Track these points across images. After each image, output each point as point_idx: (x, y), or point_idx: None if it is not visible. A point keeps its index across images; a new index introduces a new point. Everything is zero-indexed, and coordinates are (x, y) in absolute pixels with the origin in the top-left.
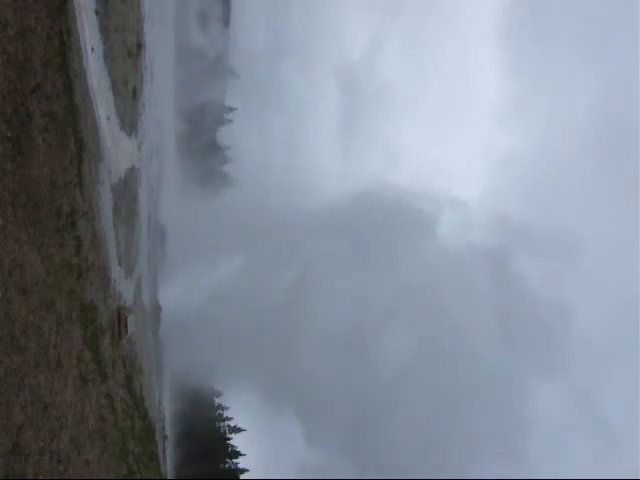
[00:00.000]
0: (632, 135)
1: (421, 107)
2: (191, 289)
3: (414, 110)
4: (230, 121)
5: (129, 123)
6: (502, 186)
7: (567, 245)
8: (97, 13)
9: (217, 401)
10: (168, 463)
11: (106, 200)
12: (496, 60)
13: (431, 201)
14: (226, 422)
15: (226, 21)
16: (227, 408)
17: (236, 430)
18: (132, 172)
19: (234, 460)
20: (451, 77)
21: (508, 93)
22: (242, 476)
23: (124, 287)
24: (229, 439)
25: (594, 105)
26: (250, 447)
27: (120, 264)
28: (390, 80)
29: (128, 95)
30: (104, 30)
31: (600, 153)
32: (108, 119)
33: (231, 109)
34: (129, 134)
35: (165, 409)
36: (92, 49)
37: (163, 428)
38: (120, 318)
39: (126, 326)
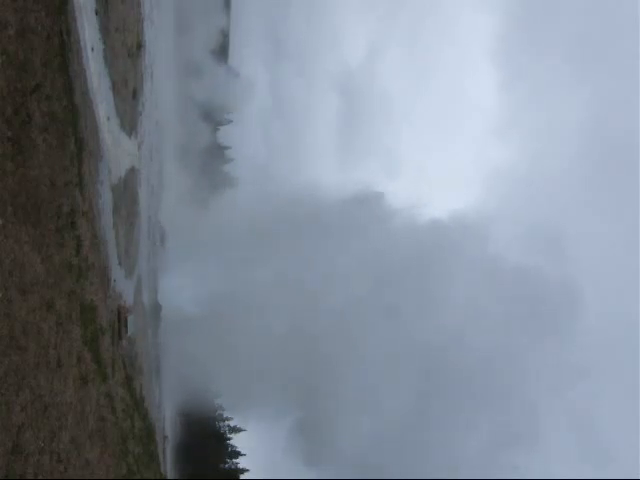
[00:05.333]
0: (625, 148)
1: (417, 116)
2: (191, 289)
3: (411, 118)
4: (230, 121)
5: (129, 123)
6: (496, 195)
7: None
8: (97, 13)
9: (217, 401)
10: (168, 463)
11: (106, 200)
12: (492, 73)
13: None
14: (226, 422)
15: (226, 24)
16: (227, 407)
17: (236, 430)
18: (132, 172)
19: (234, 460)
20: (448, 88)
21: (503, 106)
22: (242, 476)
23: (124, 287)
24: (229, 439)
25: (587, 119)
26: (250, 447)
27: (120, 264)
28: (388, 88)
29: (128, 95)
30: (104, 30)
31: (593, 166)
32: (108, 119)
33: (231, 109)
34: (129, 134)
35: (165, 409)
36: (92, 49)
37: (163, 428)
38: (120, 318)
39: (126, 326)
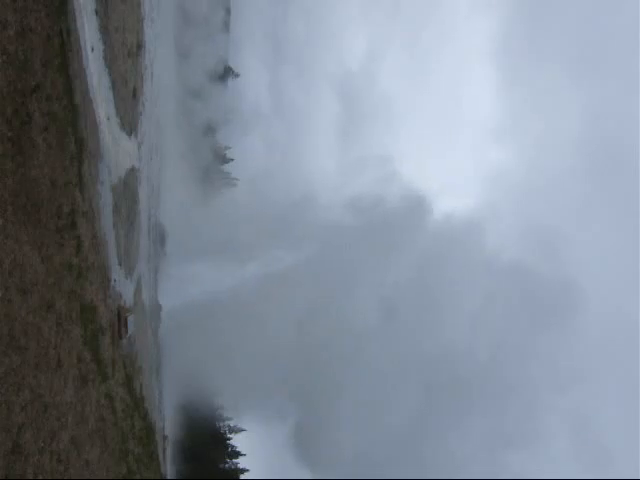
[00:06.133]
0: (623, 149)
1: (417, 117)
2: (191, 289)
3: (411, 119)
4: (230, 121)
5: (129, 123)
6: (495, 197)
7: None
8: (97, 13)
9: (217, 401)
10: (168, 463)
11: (106, 200)
12: (491, 75)
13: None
14: (226, 422)
15: (226, 24)
16: (227, 407)
17: (236, 430)
18: (132, 172)
19: (234, 460)
20: (447, 90)
21: (503, 109)
22: (242, 476)
23: (124, 287)
24: (229, 439)
25: (586, 120)
26: (250, 447)
27: (120, 264)
28: (388, 91)
29: (128, 95)
30: (104, 30)
31: (593, 166)
32: (108, 119)
33: (231, 109)
34: (129, 134)
35: (165, 409)
36: (92, 49)
37: (163, 428)
38: (120, 318)
39: (126, 326)
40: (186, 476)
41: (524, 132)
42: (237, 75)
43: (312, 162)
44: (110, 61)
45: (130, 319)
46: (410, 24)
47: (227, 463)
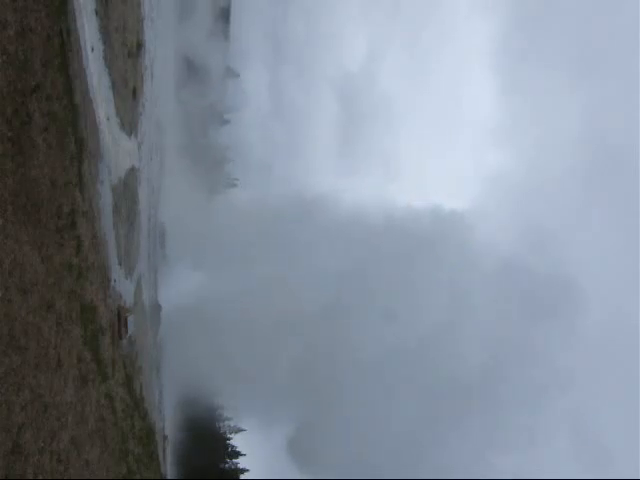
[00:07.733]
0: (623, 149)
1: (417, 118)
2: (191, 289)
3: (411, 120)
4: (229, 121)
5: (129, 123)
6: (495, 198)
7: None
8: (97, 13)
9: (217, 401)
10: (168, 463)
11: (106, 200)
12: (491, 77)
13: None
14: (226, 422)
15: (226, 20)
16: (227, 407)
17: (236, 430)
18: (132, 172)
19: (234, 460)
20: (447, 91)
21: (502, 109)
22: (242, 476)
23: (124, 287)
24: (229, 439)
25: (586, 123)
26: (250, 447)
27: (120, 264)
28: (388, 91)
29: (128, 95)
30: (104, 30)
31: (591, 171)
32: (108, 119)
33: (231, 109)
34: (129, 134)
35: (165, 409)
36: (92, 49)
37: (163, 428)
38: (120, 318)
39: (126, 326)
40: (186, 476)
41: (524, 132)
42: (237, 76)
43: (312, 163)
44: (110, 61)
45: (130, 319)
46: (410, 24)
47: (227, 463)
